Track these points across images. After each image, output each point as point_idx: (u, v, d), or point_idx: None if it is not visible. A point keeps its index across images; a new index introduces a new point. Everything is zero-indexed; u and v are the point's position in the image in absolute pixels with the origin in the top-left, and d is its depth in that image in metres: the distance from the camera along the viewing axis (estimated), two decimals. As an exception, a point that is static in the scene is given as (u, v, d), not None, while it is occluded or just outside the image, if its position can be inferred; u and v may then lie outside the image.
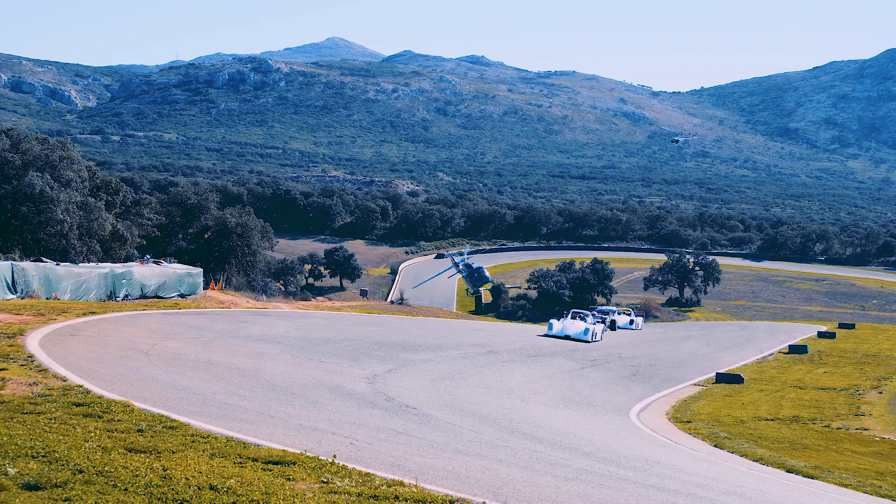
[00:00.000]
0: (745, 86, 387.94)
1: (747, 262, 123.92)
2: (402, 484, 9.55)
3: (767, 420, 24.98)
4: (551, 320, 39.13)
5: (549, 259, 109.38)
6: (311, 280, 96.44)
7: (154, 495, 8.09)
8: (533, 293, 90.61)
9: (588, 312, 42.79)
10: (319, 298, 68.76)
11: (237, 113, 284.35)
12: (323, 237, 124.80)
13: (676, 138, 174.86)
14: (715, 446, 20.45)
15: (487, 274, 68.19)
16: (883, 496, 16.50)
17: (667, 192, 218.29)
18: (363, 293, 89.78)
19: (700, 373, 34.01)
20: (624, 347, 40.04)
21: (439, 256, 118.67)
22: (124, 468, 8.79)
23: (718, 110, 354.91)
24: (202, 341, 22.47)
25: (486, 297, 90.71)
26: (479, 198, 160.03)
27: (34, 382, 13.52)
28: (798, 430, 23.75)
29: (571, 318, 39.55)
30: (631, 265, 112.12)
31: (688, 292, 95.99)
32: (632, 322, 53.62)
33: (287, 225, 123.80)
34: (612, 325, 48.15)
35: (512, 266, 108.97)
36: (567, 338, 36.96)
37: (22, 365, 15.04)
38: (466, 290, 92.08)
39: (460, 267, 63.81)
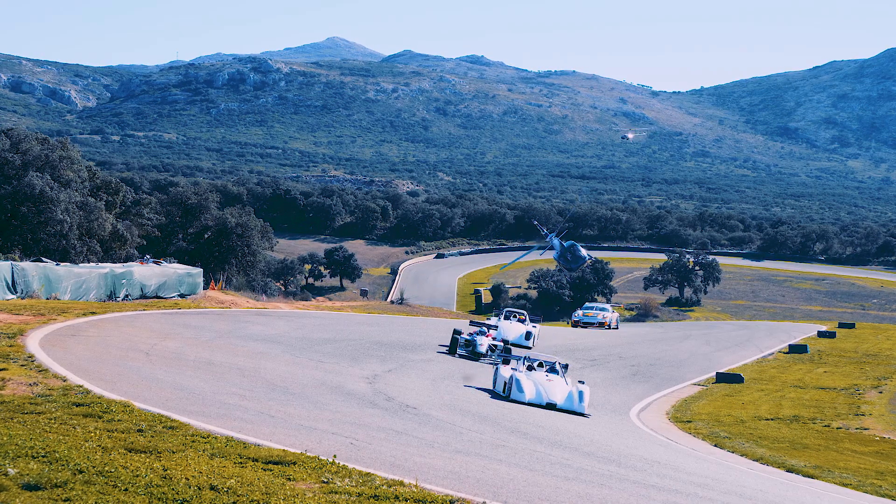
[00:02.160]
0: (744, 85, 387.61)
1: (747, 262, 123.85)
2: (402, 484, 9.55)
3: (767, 420, 24.98)
4: (511, 372, 22.51)
5: (549, 259, 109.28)
6: (311, 280, 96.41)
7: (154, 495, 8.09)
8: (533, 293, 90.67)
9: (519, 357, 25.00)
10: (319, 298, 68.77)
11: (237, 113, 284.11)
12: (323, 237, 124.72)
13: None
14: (715, 446, 20.46)
15: (583, 252, 60.44)
16: (883, 496, 16.51)
17: (667, 192, 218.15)
18: (363, 293, 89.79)
19: (700, 372, 34.00)
20: (624, 347, 40.04)
21: (439, 256, 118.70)
22: (124, 468, 8.79)
23: (718, 110, 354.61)
24: (202, 341, 22.48)
25: (486, 296, 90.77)
26: (479, 197, 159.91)
27: (34, 382, 13.52)
28: (798, 429, 23.75)
29: (526, 365, 23.24)
30: (631, 265, 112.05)
31: (688, 292, 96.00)
32: (528, 336, 33.39)
33: (287, 225, 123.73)
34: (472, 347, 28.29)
35: (512, 265, 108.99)
36: (552, 407, 21.55)
37: (22, 365, 15.04)
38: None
39: (549, 245, 59.45)
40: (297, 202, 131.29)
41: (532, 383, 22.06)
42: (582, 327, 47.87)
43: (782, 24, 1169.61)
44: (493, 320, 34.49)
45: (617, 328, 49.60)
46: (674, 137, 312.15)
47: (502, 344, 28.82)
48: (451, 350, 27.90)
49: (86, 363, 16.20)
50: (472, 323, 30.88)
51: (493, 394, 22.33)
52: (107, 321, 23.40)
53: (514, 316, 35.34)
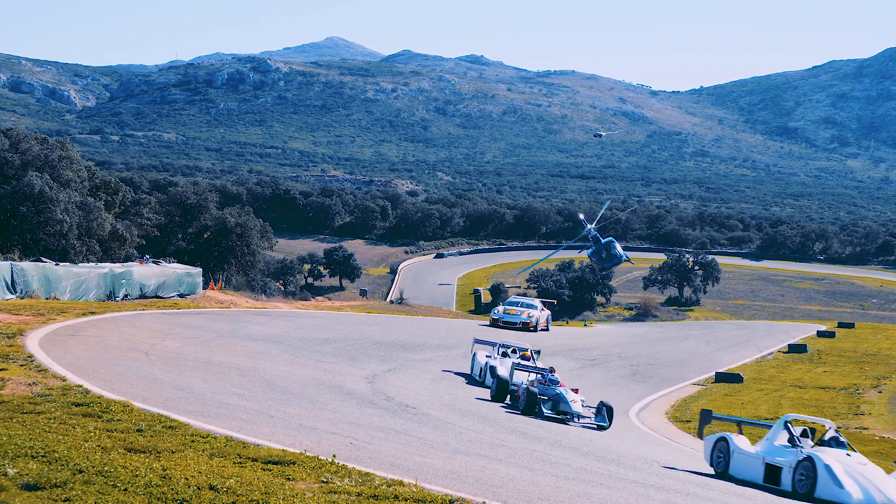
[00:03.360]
0: (744, 85, 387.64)
1: (747, 262, 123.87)
2: (401, 483, 9.55)
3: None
4: (799, 452, 14.55)
5: (548, 258, 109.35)
6: (310, 280, 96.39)
7: (154, 495, 8.09)
8: (532, 293, 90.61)
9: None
10: (319, 298, 68.69)
11: (236, 112, 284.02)
12: (322, 237, 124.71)
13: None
14: (714, 445, 20.44)
15: (619, 250, 50.63)
16: (882, 495, 16.48)
17: (666, 192, 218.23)
18: (363, 293, 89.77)
19: (699, 372, 34.03)
20: (624, 347, 40.05)
21: (439, 256, 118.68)
22: (124, 468, 8.79)
23: (718, 109, 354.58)
24: (201, 341, 22.47)
25: (486, 296, 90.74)
26: (478, 197, 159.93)
27: (34, 382, 13.51)
28: (797, 429, 23.76)
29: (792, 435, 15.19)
30: (630, 264, 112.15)
31: (687, 292, 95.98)
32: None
33: (286, 224, 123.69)
34: None
35: (511, 265, 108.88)
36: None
37: (21, 365, 15.04)
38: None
39: (589, 239, 52.89)
40: (296, 202, 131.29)
41: (845, 472, 13.71)
42: (501, 327, 38.78)
43: (781, 23, 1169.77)
44: (483, 356, 24.78)
45: (547, 329, 40.86)
46: (673, 137, 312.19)
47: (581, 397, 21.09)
48: (527, 409, 19.78)
49: (85, 363, 16.19)
50: (517, 366, 22.47)
51: (756, 487, 14.68)
52: (106, 321, 23.39)
53: (515, 353, 24.94)
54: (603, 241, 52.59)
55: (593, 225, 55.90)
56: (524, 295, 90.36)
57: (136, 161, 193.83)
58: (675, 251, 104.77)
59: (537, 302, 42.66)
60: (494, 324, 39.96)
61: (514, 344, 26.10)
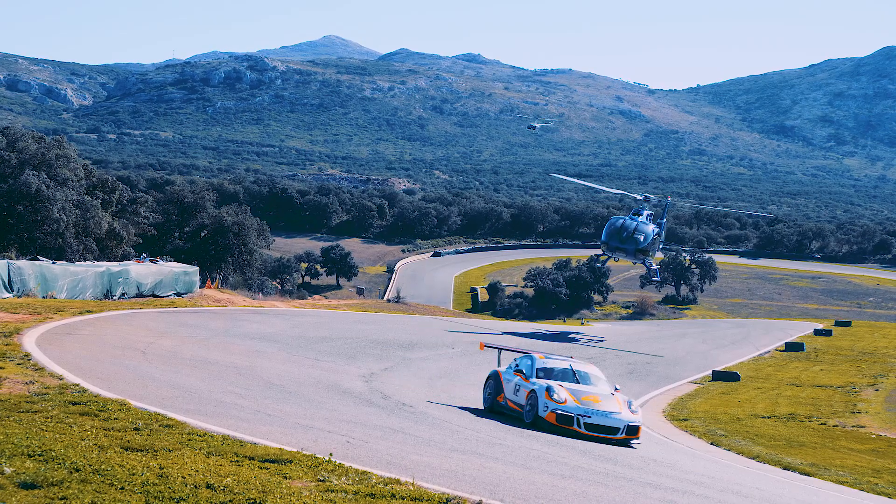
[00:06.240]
0: (741, 83, 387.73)
1: (743, 260, 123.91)
2: (398, 482, 9.54)
3: (764, 418, 25.00)
4: None
5: (545, 257, 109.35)
6: (307, 278, 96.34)
7: (151, 494, 8.08)
8: (529, 291, 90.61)
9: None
10: (316, 297, 68.73)
11: (233, 111, 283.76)
12: (319, 235, 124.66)
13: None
14: (711, 444, 20.47)
15: (642, 238, 43.23)
16: (879, 493, 16.53)
17: (663, 190, 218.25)
18: (360, 291, 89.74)
19: (696, 370, 34.05)
20: (620, 345, 40.08)
21: (436, 255, 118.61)
22: (121, 467, 8.78)
23: (714, 108, 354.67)
24: (198, 340, 22.45)
25: (483, 295, 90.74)
26: (475, 196, 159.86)
27: (31, 381, 13.50)
28: (794, 427, 23.77)
29: None
30: (627, 263, 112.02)
31: (684, 290, 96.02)
32: None
33: (283, 223, 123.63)
34: None
35: (508, 264, 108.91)
36: None
37: (18, 364, 15.02)
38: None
39: (638, 210, 40.48)
40: (293, 200, 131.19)
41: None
42: (580, 436, 17.17)
43: (779, 22, 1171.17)
44: None
45: None
46: (670, 136, 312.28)
47: None
48: None
49: (82, 362, 16.18)
50: None
51: None
52: (103, 320, 23.36)
53: None
54: (636, 220, 42.61)
55: (650, 205, 46.44)
56: (522, 294, 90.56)
57: (132, 160, 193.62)
58: (672, 250, 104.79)
59: (597, 370, 19.81)
60: (562, 425, 17.29)
61: None
